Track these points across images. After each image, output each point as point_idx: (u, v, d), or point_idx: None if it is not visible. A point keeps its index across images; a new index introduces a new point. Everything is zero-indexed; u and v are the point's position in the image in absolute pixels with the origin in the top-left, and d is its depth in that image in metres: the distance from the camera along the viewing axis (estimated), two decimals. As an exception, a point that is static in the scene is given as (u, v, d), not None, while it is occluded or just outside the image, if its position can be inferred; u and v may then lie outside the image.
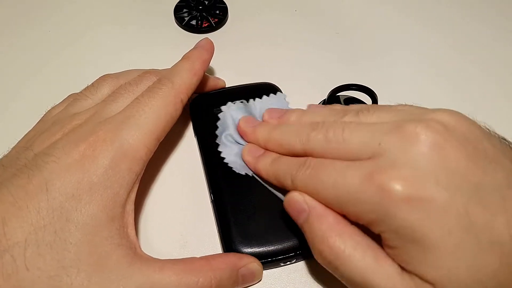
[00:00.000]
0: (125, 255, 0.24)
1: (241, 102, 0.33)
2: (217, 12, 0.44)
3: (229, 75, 0.38)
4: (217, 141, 0.32)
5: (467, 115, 0.23)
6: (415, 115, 0.23)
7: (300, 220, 0.24)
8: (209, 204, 0.31)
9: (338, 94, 0.36)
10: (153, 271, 0.24)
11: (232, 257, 0.27)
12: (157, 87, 0.29)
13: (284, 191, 0.26)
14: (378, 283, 0.21)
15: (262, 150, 0.29)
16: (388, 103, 0.36)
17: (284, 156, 0.27)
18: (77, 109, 0.29)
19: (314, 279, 0.29)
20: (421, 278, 0.20)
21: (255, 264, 0.27)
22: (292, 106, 0.36)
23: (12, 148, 0.28)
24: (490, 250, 0.19)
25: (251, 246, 0.28)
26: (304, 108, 0.30)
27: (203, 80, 0.35)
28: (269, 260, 0.28)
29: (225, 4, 0.45)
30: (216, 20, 0.44)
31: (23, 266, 0.21)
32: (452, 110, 0.23)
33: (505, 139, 0.24)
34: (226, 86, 0.38)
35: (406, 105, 0.26)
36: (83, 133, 0.26)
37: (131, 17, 0.45)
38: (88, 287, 0.22)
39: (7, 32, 0.43)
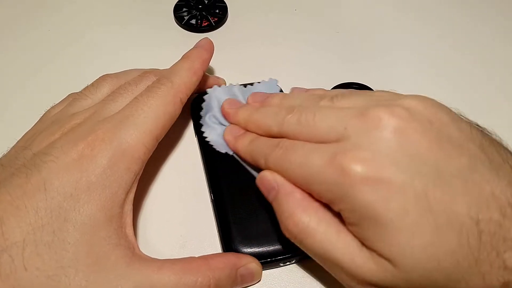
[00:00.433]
0: (123, 255, 0.24)
1: (228, 86, 0.34)
2: (217, 11, 0.44)
3: (228, 74, 0.38)
4: (200, 122, 0.33)
5: (444, 103, 0.23)
6: (385, 101, 0.24)
7: (270, 197, 0.25)
8: (209, 204, 0.31)
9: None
10: (152, 271, 0.23)
11: (231, 256, 0.27)
12: (156, 86, 0.29)
13: (259, 171, 0.27)
14: (339, 255, 0.22)
15: (242, 131, 0.30)
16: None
17: (261, 137, 0.28)
18: (76, 108, 0.29)
19: (314, 279, 0.29)
20: (378, 254, 0.21)
21: (254, 264, 0.27)
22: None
23: (11, 148, 0.28)
24: (449, 230, 0.20)
25: (250, 246, 0.28)
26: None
27: (203, 80, 0.35)
28: (269, 260, 0.28)
29: (224, 3, 0.45)
30: (216, 19, 0.44)
31: (21, 266, 0.21)
32: (422, 96, 0.24)
33: (478, 125, 0.24)
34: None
35: (384, 91, 0.26)
36: (82, 132, 0.26)
37: (131, 16, 0.45)
38: (87, 287, 0.22)
39: (7, 32, 0.43)
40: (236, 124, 0.31)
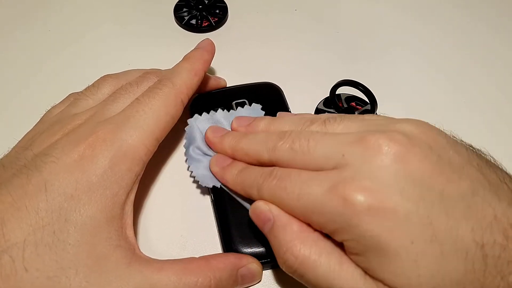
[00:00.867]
0: (124, 256, 0.24)
1: (208, 113, 0.32)
2: (217, 11, 0.44)
3: (228, 74, 0.38)
4: (184, 155, 0.31)
5: (435, 124, 0.23)
6: (380, 126, 0.23)
7: (265, 229, 0.24)
8: (209, 204, 0.31)
9: (339, 93, 0.36)
10: (152, 272, 0.23)
11: (231, 257, 0.27)
12: (157, 87, 0.29)
13: (252, 202, 0.25)
14: (342, 286, 0.21)
15: (230, 160, 0.28)
16: (388, 103, 0.37)
17: (251, 166, 0.27)
18: (77, 109, 0.29)
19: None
20: (384, 284, 0.20)
21: (255, 264, 0.27)
22: (292, 104, 0.36)
23: (12, 148, 0.28)
24: (455, 258, 0.19)
25: (251, 246, 0.28)
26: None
27: (205, 80, 0.35)
28: (269, 260, 0.28)
29: (225, 3, 0.45)
30: (216, 19, 0.44)
31: (22, 267, 0.21)
32: (417, 120, 0.23)
33: (472, 147, 0.24)
34: (226, 86, 0.37)
35: (375, 115, 0.26)
36: (83, 133, 0.26)
37: (131, 16, 0.45)
38: None
39: (7, 32, 0.43)
40: (222, 153, 0.29)
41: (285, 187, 0.23)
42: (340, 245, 0.22)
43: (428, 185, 0.20)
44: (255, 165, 0.27)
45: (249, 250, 0.28)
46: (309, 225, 0.23)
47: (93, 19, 0.44)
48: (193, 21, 0.43)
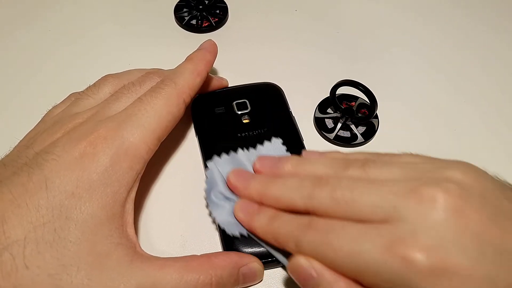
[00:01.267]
0: (125, 254, 0.23)
1: (228, 154, 0.30)
2: (217, 11, 0.44)
3: (229, 74, 0.38)
4: (206, 200, 0.29)
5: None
6: (427, 172, 0.22)
7: (307, 287, 0.23)
8: (210, 204, 0.31)
9: (338, 93, 0.36)
10: (154, 269, 0.23)
11: (233, 255, 0.26)
12: (160, 87, 0.29)
13: (284, 251, 0.24)
14: None
15: (256, 206, 0.27)
16: (388, 103, 0.37)
17: (282, 213, 0.25)
18: (78, 108, 0.29)
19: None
20: None
21: (257, 263, 0.27)
22: (292, 104, 0.36)
23: (14, 147, 0.28)
24: None
25: (251, 245, 0.28)
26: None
27: (207, 80, 0.35)
28: (270, 260, 0.28)
29: (225, 3, 0.45)
30: (216, 19, 0.44)
31: (23, 265, 0.21)
32: (465, 165, 0.22)
33: None
34: (227, 86, 0.37)
35: (412, 155, 0.25)
36: (84, 131, 0.26)
37: (131, 17, 0.45)
38: (89, 285, 0.22)
39: (8, 32, 0.43)
40: (247, 199, 0.27)
41: (330, 243, 0.22)
42: None
43: (487, 239, 0.20)
44: (285, 211, 0.25)
45: (250, 249, 0.28)
46: (356, 281, 0.22)
47: (93, 19, 0.44)
48: (194, 22, 0.43)
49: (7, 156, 0.27)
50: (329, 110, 0.37)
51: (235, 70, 0.39)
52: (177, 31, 0.44)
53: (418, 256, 0.19)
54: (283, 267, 0.28)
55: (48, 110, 0.31)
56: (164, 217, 0.31)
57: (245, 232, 0.27)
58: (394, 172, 0.23)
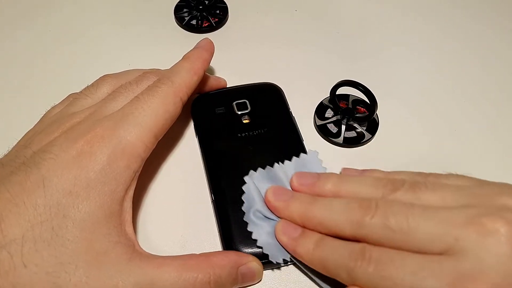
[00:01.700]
0: (123, 252, 0.23)
1: (264, 169, 0.29)
2: (217, 11, 0.44)
3: (229, 75, 0.38)
4: (245, 219, 0.28)
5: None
6: (481, 198, 0.22)
7: None
8: (210, 204, 0.31)
9: (347, 94, 0.36)
10: (153, 267, 0.23)
11: (232, 254, 0.26)
12: (156, 85, 0.29)
13: (332, 281, 0.23)
14: None
15: (300, 229, 0.25)
16: (389, 103, 0.37)
17: (330, 238, 0.24)
18: (76, 108, 0.29)
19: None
20: None
21: (256, 263, 0.27)
22: (292, 104, 0.36)
23: (12, 148, 0.28)
24: None
25: (251, 245, 0.28)
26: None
27: (205, 80, 0.35)
28: (270, 260, 0.27)
29: (225, 3, 0.45)
30: (216, 19, 0.44)
31: (20, 263, 0.21)
32: None
33: None
34: (227, 86, 0.37)
35: (457, 176, 0.24)
36: (81, 130, 0.26)
37: (131, 17, 0.45)
38: (87, 283, 0.22)
39: (8, 32, 0.43)
40: (288, 220, 0.26)
41: (389, 277, 0.21)
42: None
43: None
44: (331, 236, 0.24)
45: (250, 250, 0.28)
46: None
47: (93, 19, 0.44)
48: (194, 22, 0.43)
49: (5, 156, 0.27)
50: (327, 115, 0.37)
51: (235, 70, 0.39)
52: (177, 31, 0.44)
53: None
54: (283, 267, 0.29)
55: (46, 111, 0.31)
56: (164, 218, 0.31)
57: (288, 258, 0.26)
58: (446, 197, 0.22)
